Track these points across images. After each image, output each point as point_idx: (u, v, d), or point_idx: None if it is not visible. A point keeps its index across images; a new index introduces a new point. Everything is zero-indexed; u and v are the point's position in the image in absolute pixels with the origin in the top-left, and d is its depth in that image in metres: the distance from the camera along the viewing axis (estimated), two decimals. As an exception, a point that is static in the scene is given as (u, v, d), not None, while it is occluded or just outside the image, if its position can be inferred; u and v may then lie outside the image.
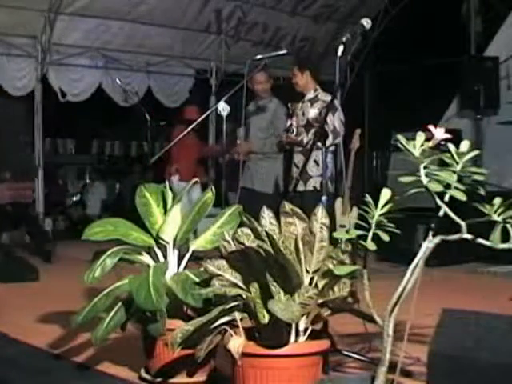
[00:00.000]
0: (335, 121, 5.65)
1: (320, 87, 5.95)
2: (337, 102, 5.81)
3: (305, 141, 5.79)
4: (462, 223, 1.92)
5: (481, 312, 2.21)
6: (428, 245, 1.97)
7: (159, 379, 2.89)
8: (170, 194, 3.09)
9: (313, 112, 5.83)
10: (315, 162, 5.68)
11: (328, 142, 5.33)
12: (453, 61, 9.26)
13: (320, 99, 5.83)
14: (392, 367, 2.03)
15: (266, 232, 2.33)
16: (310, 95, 5.90)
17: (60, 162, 12.28)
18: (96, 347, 3.06)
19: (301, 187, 5.66)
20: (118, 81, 8.74)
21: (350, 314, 2.52)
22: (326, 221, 2.45)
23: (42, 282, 5.71)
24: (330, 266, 2.39)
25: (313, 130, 5.78)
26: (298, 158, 5.93)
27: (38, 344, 3.56)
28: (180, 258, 3.02)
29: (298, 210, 2.51)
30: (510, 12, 9.08)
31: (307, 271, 2.42)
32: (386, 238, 2.01)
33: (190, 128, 5.04)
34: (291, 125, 5.95)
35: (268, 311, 2.33)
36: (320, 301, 2.40)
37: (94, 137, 13.56)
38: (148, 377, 2.94)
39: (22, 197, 8.16)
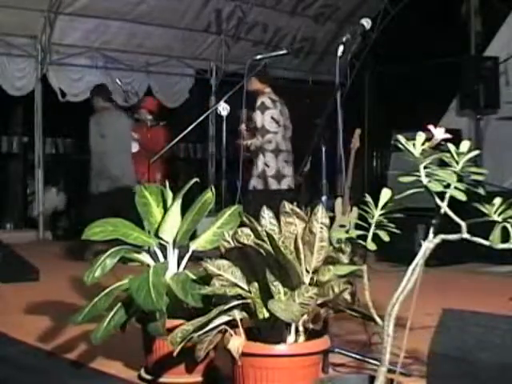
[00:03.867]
0: (265, 120, 6.01)
1: (271, 89, 6.29)
2: (268, 102, 6.15)
3: (248, 144, 6.15)
4: (462, 223, 1.92)
5: (481, 312, 2.20)
6: (428, 245, 1.97)
7: (158, 379, 2.89)
8: (170, 194, 3.09)
9: (254, 115, 6.17)
10: (286, 162, 6.19)
11: (258, 142, 6.02)
12: (453, 61, 9.27)
13: (258, 101, 6.15)
14: (392, 367, 2.03)
15: (266, 232, 2.33)
16: (258, 99, 6.20)
17: (60, 161, 12.29)
18: (96, 347, 3.05)
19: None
20: (117, 81, 8.74)
21: (350, 313, 2.52)
22: (326, 221, 2.45)
23: (42, 282, 5.71)
24: (330, 266, 2.39)
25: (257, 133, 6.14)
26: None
27: (37, 344, 3.56)
28: (180, 258, 3.02)
29: (297, 210, 2.51)
30: (510, 12, 9.09)
31: (307, 271, 2.43)
32: (386, 238, 2.01)
33: (188, 129, 5.13)
34: (240, 130, 6.29)
35: (268, 311, 2.33)
36: (320, 301, 2.40)
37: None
38: (147, 376, 2.94)
39: None
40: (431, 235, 1.97)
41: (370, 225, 2.03)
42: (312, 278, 2.42)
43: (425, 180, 1.91)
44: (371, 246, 2.03)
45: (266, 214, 2.51)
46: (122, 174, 7.54)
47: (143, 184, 3.24)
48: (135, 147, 8.01)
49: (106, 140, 7.47)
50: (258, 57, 5.53)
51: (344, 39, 3.43)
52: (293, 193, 6.09)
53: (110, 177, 7.45)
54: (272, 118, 6.06)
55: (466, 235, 1.92)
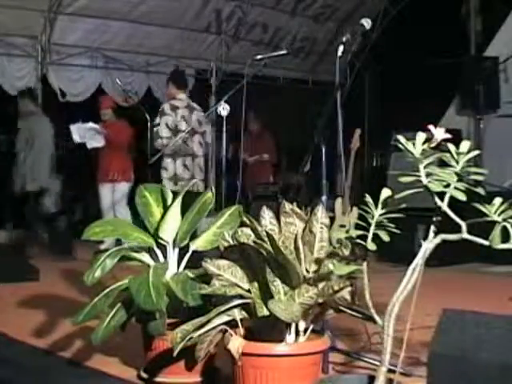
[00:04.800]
0: (160, 125, 6.53)
1: (185, 95, 6.93)
2: (167, 109, 6.66)
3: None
4: (462, 223, 1.92)
5: (481, 312, 2.20)
6: (428, 245, 1.97)
7: (158, 378, 2.89)
8: (170, 194, 3.09)
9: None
10: (184, 166, 6.61)
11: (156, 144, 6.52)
12: (453, 61, 9.27)
13: (161, 107, 6.75)
14: (392, 367, 2.03)
15: (266, 232, 2.33)
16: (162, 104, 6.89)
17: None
18: (96, 347, 3.06)
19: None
20: (117, 81, 8.74)
21: (350, 313, 2.52)
22: (326, 221, 2.45)
23: (42, 282, 5.71)
24: (330, 265, 2.39)
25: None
26: None
27: (37, 344, 3.56)
28: (180, 258, 3.02)
29: (298, 210, 2.51)
30: (510, 12, 9.09)
31: (307, 271, 2.42)
32: (386, 238, 2.01)
33: (188, 129, 5.16)
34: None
35: (268, 311, 2.33)
36: (320, 301, 2.40)
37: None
38: (147, 376, 2.94)
39: None
40: (431, 235, 1.97)
41: (369, 225, 2.03)
42: (312, 278, 2.42)
43: (425, 180, 1.91)
44: (371, 246, 2.03)
45: (266, 214, 2.51)
46: (48, 175, 7.93)
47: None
48: (101, 141, 7.92)
49: (36, 144, 7.79)
50: (258, 57, 5.54)
51: (344, 39, 3.43)
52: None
53: (37, 178, 7.83)
54: (166, 124, 6.48)
55: (466, 235, 1.92)
